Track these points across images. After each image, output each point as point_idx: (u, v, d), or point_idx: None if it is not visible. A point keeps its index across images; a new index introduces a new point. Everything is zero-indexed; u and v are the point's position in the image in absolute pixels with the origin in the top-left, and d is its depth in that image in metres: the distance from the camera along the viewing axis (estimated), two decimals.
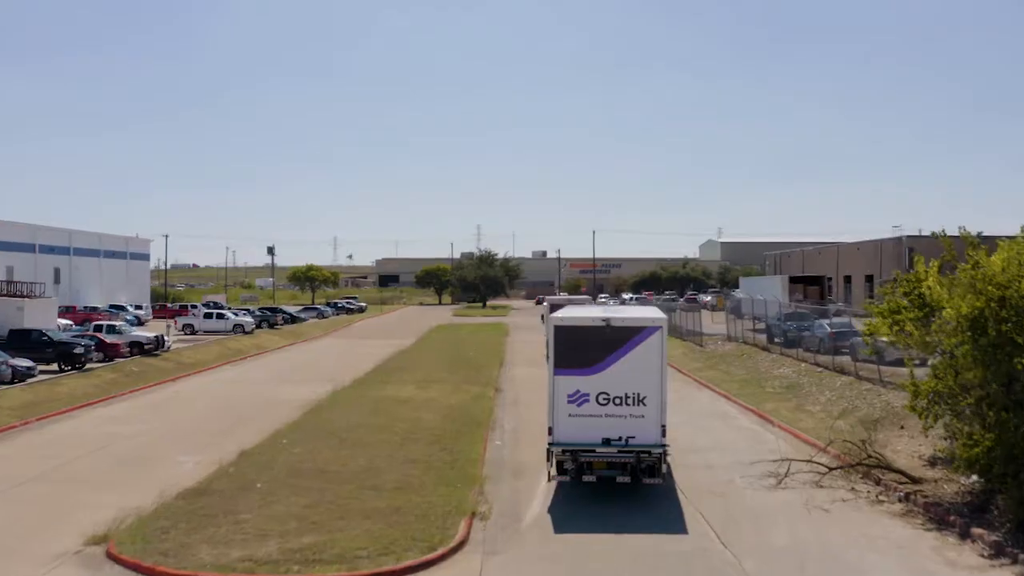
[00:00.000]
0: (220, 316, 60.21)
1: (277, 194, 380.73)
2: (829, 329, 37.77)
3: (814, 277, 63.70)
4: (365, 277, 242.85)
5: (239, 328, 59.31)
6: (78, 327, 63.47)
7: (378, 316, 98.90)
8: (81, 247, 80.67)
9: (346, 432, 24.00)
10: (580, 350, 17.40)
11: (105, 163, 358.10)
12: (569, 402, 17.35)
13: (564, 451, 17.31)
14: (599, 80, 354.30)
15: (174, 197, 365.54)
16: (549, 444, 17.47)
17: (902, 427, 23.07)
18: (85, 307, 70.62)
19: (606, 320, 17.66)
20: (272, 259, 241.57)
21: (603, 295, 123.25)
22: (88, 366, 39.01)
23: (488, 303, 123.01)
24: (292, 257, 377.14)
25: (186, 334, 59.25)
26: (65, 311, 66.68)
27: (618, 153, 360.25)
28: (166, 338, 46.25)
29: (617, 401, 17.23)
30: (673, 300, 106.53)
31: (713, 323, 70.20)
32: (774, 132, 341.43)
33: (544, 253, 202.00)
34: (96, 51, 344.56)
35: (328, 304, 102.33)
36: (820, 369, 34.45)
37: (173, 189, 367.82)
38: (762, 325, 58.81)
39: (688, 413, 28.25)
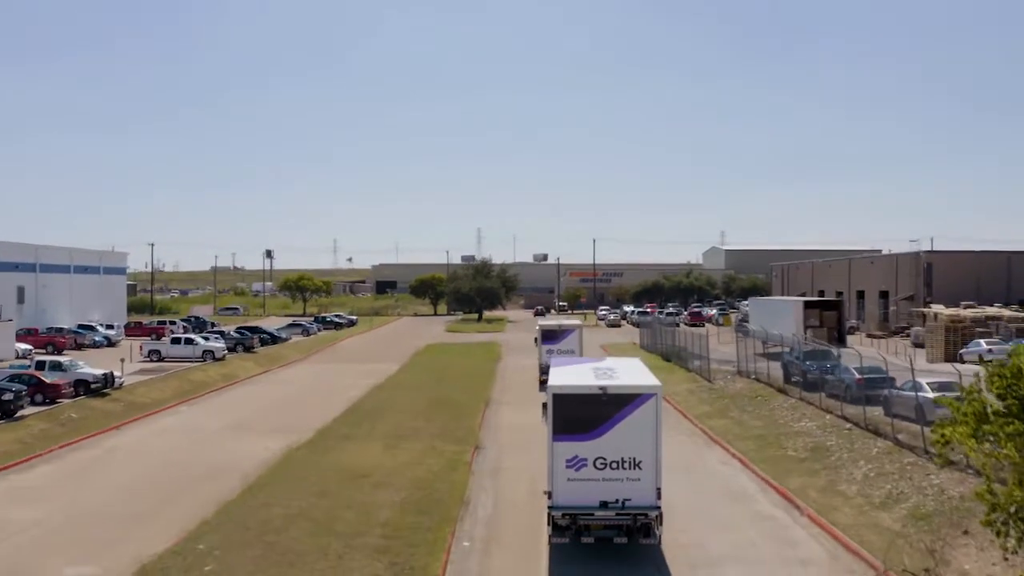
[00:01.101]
0: (189, 341, 55.62)
1: (278, 196, 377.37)
2: (857, 375, 33.28)
3: (831, 301, 58.98)
4: (364, 281, 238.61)
5: (208, 355, 54.78)
6: (39, 351, 59.33)
7: (367, 332, 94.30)
8: (48, 263, 75.63)
9: (277, 533, 19.46)
10: (578, 417, 17.54)
11: (105, 165, 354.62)
12: (567, 467, 17.49)
13: (564, 515, 17.45)
14: (601, 82, 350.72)
15: (175, 199, 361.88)
16: (549, 508, 17.60)
17: (966, 532, 18.59)
18: (49, 328, 65.94)
19: (603, 388, 17.62)
20: (270, 262, 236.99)
21: (603, 307, 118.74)
22: (20, 413, 34.51)
23: (485, 314, 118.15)
24: (292, 260, 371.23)
25: (153, 360, 54.77)
26: (26, 334, 62.40)
27: (620, 154, 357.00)
28: (117, 374, 41.68)
29: (614, 465, 17.43)
30: (676, 314, 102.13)
31: (720, 343, 65.76)
32: (776, 133, 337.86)
33: (545, 256, 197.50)
34: (96, 51, 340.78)
35: (315, 319, 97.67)
36: (849, 426, 29.89)
37: (173, 191, 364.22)
38: (775, 347, 54.65)
39: (698, 492, 23.82)
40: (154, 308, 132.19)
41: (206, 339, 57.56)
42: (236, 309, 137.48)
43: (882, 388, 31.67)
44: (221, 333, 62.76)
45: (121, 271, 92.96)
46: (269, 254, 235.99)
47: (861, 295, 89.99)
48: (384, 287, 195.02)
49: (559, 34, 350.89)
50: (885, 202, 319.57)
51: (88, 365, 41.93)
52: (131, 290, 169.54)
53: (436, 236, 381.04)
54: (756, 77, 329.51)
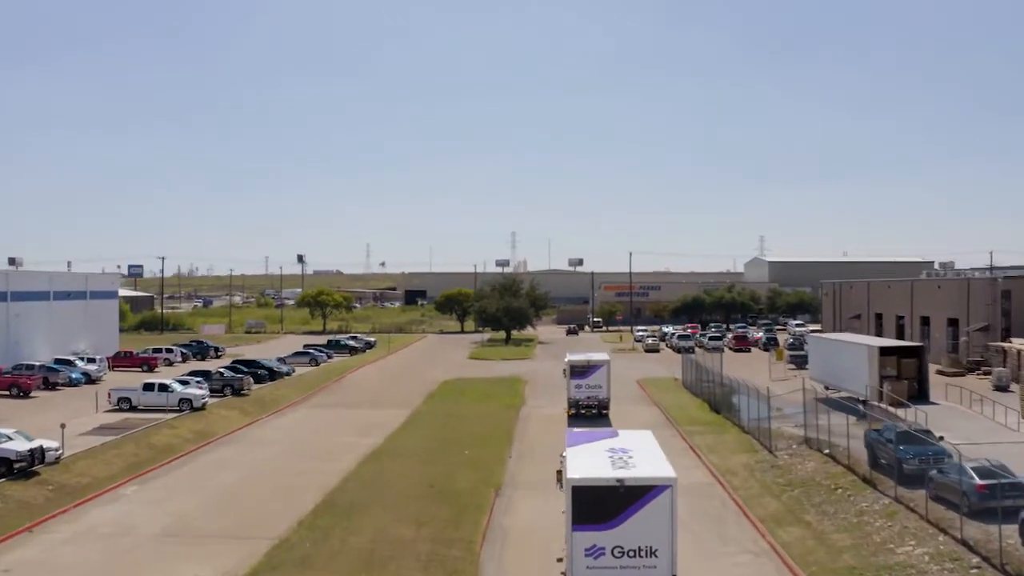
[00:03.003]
0: (163, 388, 48.30)
1: (311, 201, 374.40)
2: (977, 479, 25.27)
3: (911, 347, 50.29)
4: (394, 288, 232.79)
5: (186, 404, 47.59)
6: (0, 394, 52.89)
7: (384, 358, 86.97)
8: (22, 290, 68.53)
9: None
10: (596, 507, 18.06)
11: (130, 170, 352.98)
12: (586, 555, 17.95)
13: None
14: (637, 87, 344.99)
15: (202, 204, 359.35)
16: None
17: None
18: (17, 366, 58.96)
19: (620, 480, 18.13)
20: (302, 268, 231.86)
21: (640, 329, 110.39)
22: None
23: (513, 333, 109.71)
24: (325, 264, 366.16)
25: (122, 410, 47.74)
26: None
27: (654, 159, 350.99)
28: (53, 445, 34.49)
29: (631, 554, 17.90)
30: (720, 338, 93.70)
31: (772, 379, 57.92)
32: (809, 138, 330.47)
33: (581, 261, 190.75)
34: (103, 52, 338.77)
35: (328, 343, 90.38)
36: (976, 561, 21.99)
37: (201, 196, 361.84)
38: (842, 389, 47.09)
39: None
40: (165, 325, 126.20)
41: (185, 384, 50.40)
42: (262, 324, 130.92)
43: (1013, 498, 23.82)
44: (206, 374, 55.43)
45: (112, 295, 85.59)
46: (301, 259, 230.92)
47: (925, 321, 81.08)
48: (414, 296, 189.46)
49: (595, 38, 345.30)
50: (897, 208, 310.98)
51: (20, 434, 34.49)
52: (148, 302, 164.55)
53: (470, 239, 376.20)
54: (777, 81, 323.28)
